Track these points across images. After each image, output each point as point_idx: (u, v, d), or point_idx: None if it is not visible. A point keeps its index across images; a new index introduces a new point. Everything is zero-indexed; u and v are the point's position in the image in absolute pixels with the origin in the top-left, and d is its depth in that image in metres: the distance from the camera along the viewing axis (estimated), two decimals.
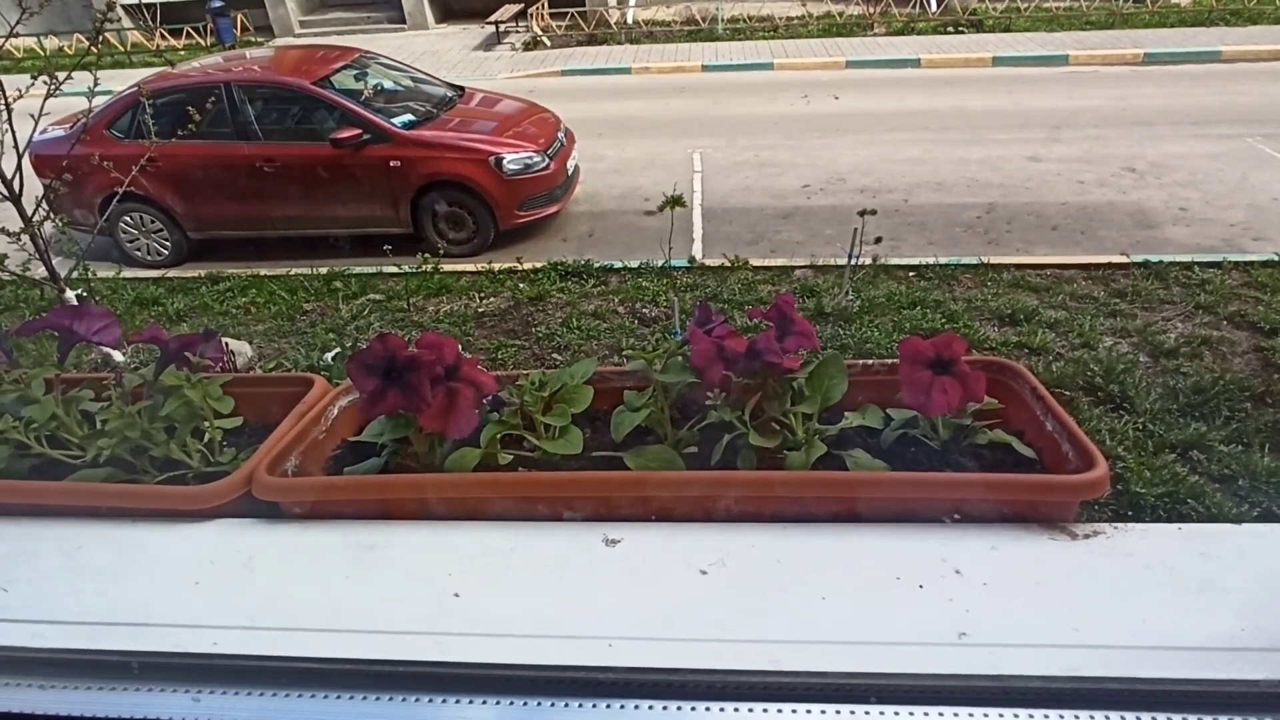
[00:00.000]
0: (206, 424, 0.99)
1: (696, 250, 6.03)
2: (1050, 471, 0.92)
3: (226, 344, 4.82)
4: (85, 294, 4.83)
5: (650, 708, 0.53)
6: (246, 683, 0.57)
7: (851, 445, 0.97)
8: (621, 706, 0.52)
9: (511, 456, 0.98)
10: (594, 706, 0.53)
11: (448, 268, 5.73)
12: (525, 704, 0.55)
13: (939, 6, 12.93)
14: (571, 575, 0.74)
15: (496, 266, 5.77)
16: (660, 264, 5.44)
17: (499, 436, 0.97)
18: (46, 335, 1.21)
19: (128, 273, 6.22)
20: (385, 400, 0.87)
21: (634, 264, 5.64)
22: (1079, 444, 0.89)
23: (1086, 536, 0.79)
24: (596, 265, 5.65)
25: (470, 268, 5.88)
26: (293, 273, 6.01)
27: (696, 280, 5.37)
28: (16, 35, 3.97)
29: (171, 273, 6.43)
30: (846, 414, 1.01)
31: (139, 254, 6.62)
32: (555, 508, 0.83)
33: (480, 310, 5.25)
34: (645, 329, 4.80)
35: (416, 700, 0.56)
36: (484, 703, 0.56)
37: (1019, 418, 1.02)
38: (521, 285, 5.47)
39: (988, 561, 0.75)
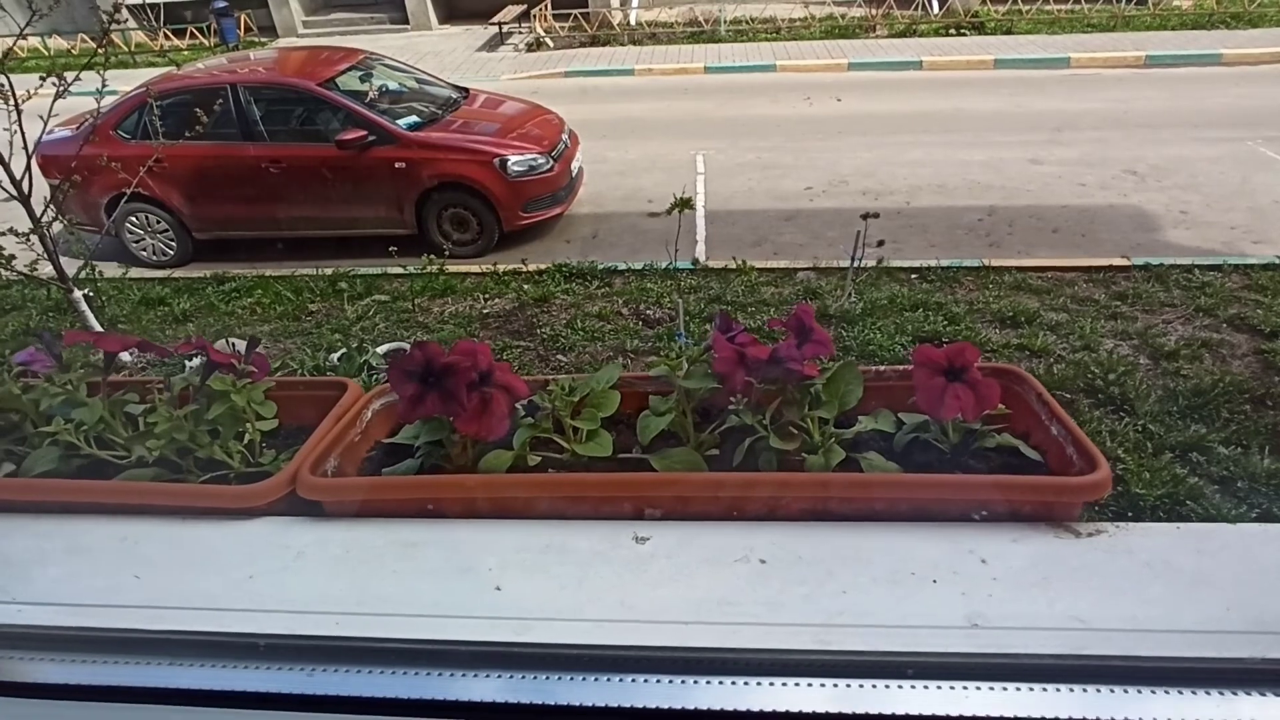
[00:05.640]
0: (248, 426, 1.03)
1: (700, 252, 6.07)
2: (1055, 473, 0.97)
3: (233, 344, 4.87)
4: (92, 294, 4.88)
5: (708, 683, 0.57)
6: (356, 661, 0.63)
7: (865, 448, 1.01)
8: (683, 681, 0.57)
9: (540, 458, 1.03)
10: (658, 681, 0.58)
11: (452, 269, 5.77)
12: (603, 679, 0.60)
13: (941, 9, 12.97)
14: (608, 569, 0.79)
15: (501, 268, 5.81)
16: (664, 266, 5.48)
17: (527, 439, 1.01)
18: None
19: (134, 273, 6.27)
20: (424, 404, 0.91)
21: (638, 266, 5.68)
22: (1082, 447, 0.94)
23: (1090, 535, 0.84)
24: (601, 267, 5.68)
25: (475, 269, 5.92)
26: (298, 273, 6.05)
27: (700, 282, 5.41)
28: (25, 37, 4.01)
29: (177, 273, 6.47)
30: (860, 418, 1.05)
31: (144, 254, 6.66)
32: (596, 507, 0.88)
33: (485, 311, 5.29)
34: (649, 331, 4.84)
35: (510, 676, 0.62)
36: (546, 678, 0.60)
37: (1024, 422, 1.06)
38: (526, 287, 5.51)
39: (997, 559, 0.79)
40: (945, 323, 4.57)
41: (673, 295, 5.05)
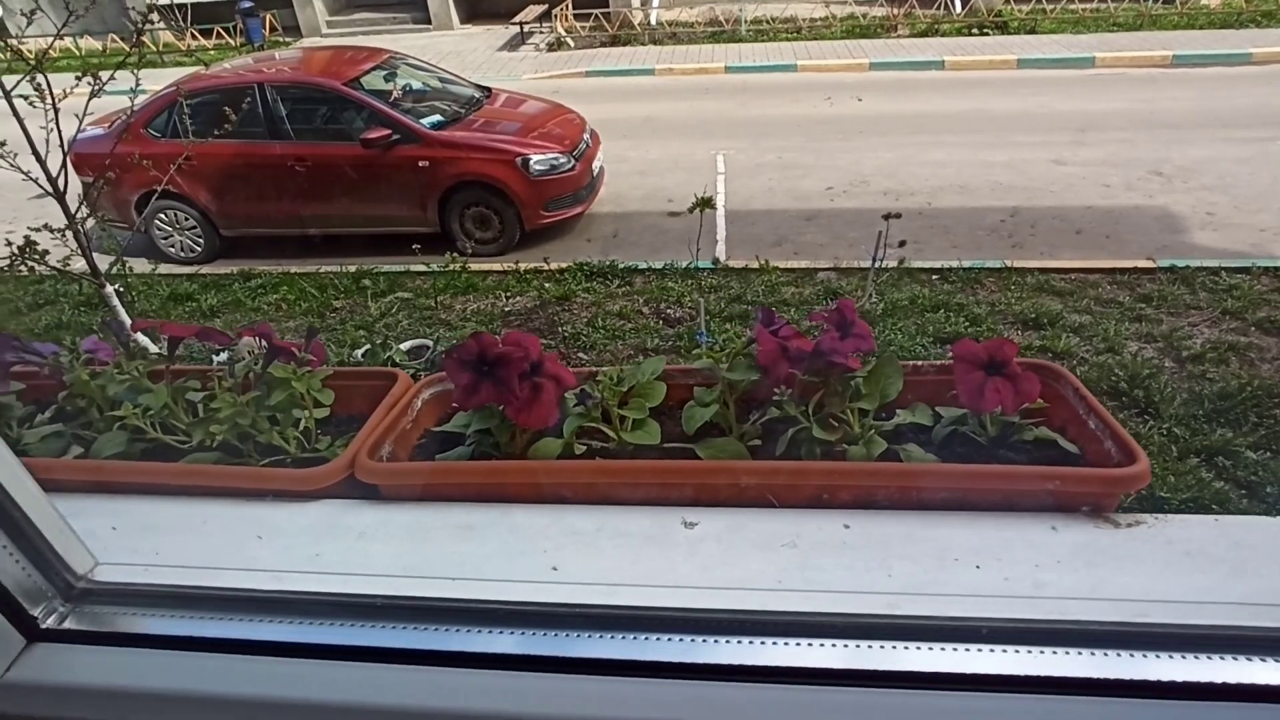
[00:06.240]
0: (305, 413, 1.07)
1: (720, 252, 6.08)
2: (1092, 466, 0.99)
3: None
4: (122, 289, 4.97)
5: (777, 643, 0.61)
6: (449, 621, 0.66)
7: (904, 441, 1.03)
8: (762, 643, 0.61)
9: (585, 447, 1.06)
10: (752, 643, 0.61)
11: (475, 267, 5.80)
12: (685, 640, 0.63)
13: (963, 8, 12.88)
14: (659, 551, 0.82)
15: (523, 266, 5.85)
16: (685, 265, 5.49)
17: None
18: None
19: (163, 269, 6.38)
20: (479, 393, 0.94)
21: (659, 265, 5.71)
22: (1121, 440, 0.95)
23: (1129, 525, 0.85)
24: (621, 266, 5.71)
25: (497, 267, 5.97)
26: (322, 270, 6.13)
27: (721, 282, 5.42)
28: (61, 37, 4.10)
29: (204, 269, 6.58)
30: (898, 411, 1.08)
31: (173, 251, 6.77)
32: (649, 493, 0.91)
33: (507, 309, 5.33)
34: (670, 330, 4.86)
35: (568, 635, 0.66)
36: (620, 638, 0.64)
37: (1061, 416, 1.08)
38: (548, 285, 5.55)
39: (1039, 547, 0.81)
40: (967, 324, 4.55)
41: (693, 294, 5.07)
